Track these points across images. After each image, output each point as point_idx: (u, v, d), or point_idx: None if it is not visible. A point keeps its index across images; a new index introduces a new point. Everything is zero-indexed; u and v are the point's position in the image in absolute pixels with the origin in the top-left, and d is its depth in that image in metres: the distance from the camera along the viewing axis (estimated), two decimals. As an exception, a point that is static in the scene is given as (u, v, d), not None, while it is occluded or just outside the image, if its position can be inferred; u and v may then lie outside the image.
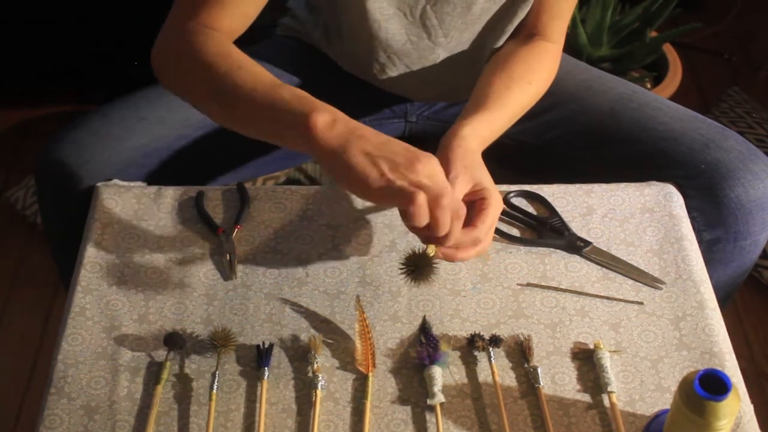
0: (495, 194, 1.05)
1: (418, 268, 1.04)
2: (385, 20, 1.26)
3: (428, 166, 0.97)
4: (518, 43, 1.26)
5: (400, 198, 0.95)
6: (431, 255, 1.02)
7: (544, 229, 1.20)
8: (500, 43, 1.31)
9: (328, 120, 0.98)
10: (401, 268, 1.05)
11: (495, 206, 1.05)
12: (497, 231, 1.17)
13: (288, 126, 1.00)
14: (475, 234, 1.02)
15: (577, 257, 1.17)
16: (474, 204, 1.05)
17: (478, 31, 1.30)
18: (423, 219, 0.95)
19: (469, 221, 1.03)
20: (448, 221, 0.96)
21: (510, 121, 1.18)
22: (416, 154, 0.97)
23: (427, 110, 1.47)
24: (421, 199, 0.94)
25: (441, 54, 1.31)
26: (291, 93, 1.01)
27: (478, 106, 1.15)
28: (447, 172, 1.04)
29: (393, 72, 1.34)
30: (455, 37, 1.29)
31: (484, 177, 1.06)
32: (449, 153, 1.07)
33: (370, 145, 0.97)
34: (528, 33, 1.27)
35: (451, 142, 1.08)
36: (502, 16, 1.28)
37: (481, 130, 1.12)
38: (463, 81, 1.38)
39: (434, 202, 0.95)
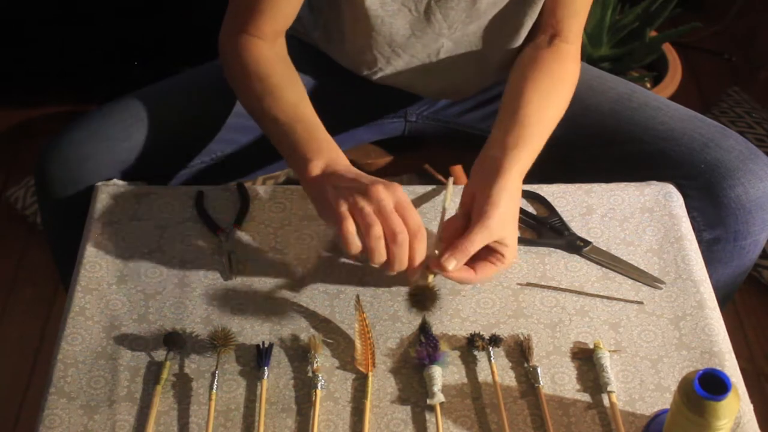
0: (511, 254, 1.08)
1: (423, 298, 1.09)
2: (389, 16, 1.26)
3: (389, 191, 1.03)
4: (540, 50, 1.25)
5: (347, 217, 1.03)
6: (432, 285, 1.09)
7: (544, 229, 1.20)
8: (512, 44, 1.31)
9: (321, 168, 1.08)
10: (408, 299, 1.10)
11: (505, 264, 1.08)
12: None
13: (293, 163, 1.12)
14: (469, 278, 1.07)
15: (576, 257, 1.17)
16: (487, 250, 1.07)
17: (485, 26, 1.30)
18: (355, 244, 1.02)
19: (473, 261, 1.07)
20: (403, 258, 1.03)
21: (545, 140, 1.18)
22: (378, 181, 1.04)
23: (427, 110, 1.47)
24: (351, 231, 1.02)
25: (445, 43, 1.31)
26: (304, 133, 1.12)
27: (519, 138, 1.14)
28: (483, 214, 1.06)
29: (398, 64, 1.34)
30: (459, 29, 1.29)
31: (510, 234, 1.08)
32: (495, 192, 1.07)
33: (343, 181, 1.06)
34: (547, 36, 1.26)
35: (503, 184, 1.08)
36: (510, 13, 1.27)
37: (525, 166, 1.13)
38: (468, 77, 1.38)
39: (392, 238, 1.02)
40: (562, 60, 1.24)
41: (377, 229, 1.01)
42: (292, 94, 1.17)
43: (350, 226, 1.02)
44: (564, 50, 1.25)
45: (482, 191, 1.08)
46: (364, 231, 1.02)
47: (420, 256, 1.04)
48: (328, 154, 1.09)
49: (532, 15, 1.27)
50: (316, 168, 1.08)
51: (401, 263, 1.03)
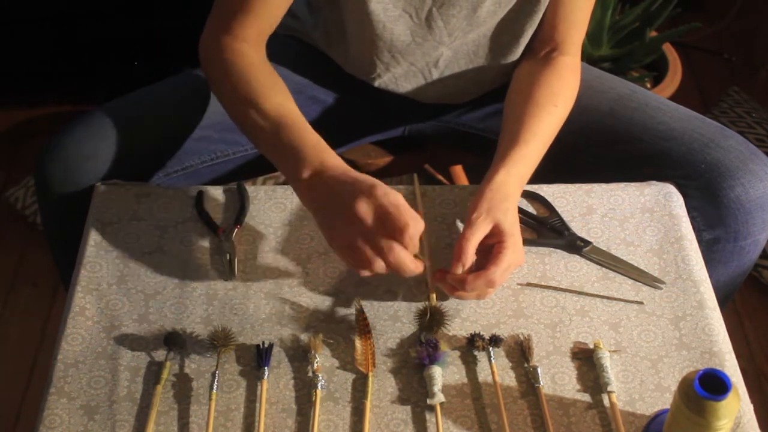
0: (513, 239, 1.08)
1: (432, 321, 1.08)
2: (390, 22, 1.26)
3: (366, 202, 1.00)
4: (538, 63, 1.27)
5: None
6: (438, 306, 1.09)
7: (544, 229, 1.20)
8: (511, 53, 1.31)
9: (307, 178, 1.06)
10: (416, 321, 1.09)
11: (511, 250, 1.07)
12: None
13: (283, 171, 1.11)
14: (488, 276, 1.06)
15: (576, 257, 1.17)
16: (492, 247, 1.08)
17: (484, 35, 1.30)
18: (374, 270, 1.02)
19: (485, 265, 1.07)
20: (408, 263, 1.01)
21: (544, 148, 1.19)
22: (359, 192, 1.01)
23: (427, 110, 1.47)
24: (367, 272, 1.02)
25: (444, 52, 1.31)
26: (289, 139, 1.09)
27: (511, 142, 1.17)
28: (467, 216, 1.09)
29: (396, 71, 1.34)
30: (459, 37, 1.29)
31: (506, 221, 1.09)
32: (477, 196, 1.11)
33: (327, 196, 1.04)
34: (547, 50, 1.28)
35: (483, 188, 1.11)
36: (509, 23, 1.28)
37: (516, 170, 1.14)
38: (466, 85, 1.38)
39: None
40: (560, 73, 1.25)
41: (376, 265, 1.01)
42: (276, 96, 1.14)
43: (363, 271, 1.03)
44: (562, 63, 1.26)
45: (472, 200, 1.11)
46: (367, 267, 1.02)
47: (411, 247, 1.02)
48: (313, 159, 1.07)
49: (531, 25, 1.28)
50: (304, 179, 1.06)
51: (404, 265, 1.01)
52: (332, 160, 1.07)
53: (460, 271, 1.06)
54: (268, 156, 1.13)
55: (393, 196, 1.00)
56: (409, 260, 1.01)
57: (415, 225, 1.00)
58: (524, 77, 1.27)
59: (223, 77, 1.18)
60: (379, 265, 1.01)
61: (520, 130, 1.17)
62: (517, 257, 1.09)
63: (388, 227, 1.00)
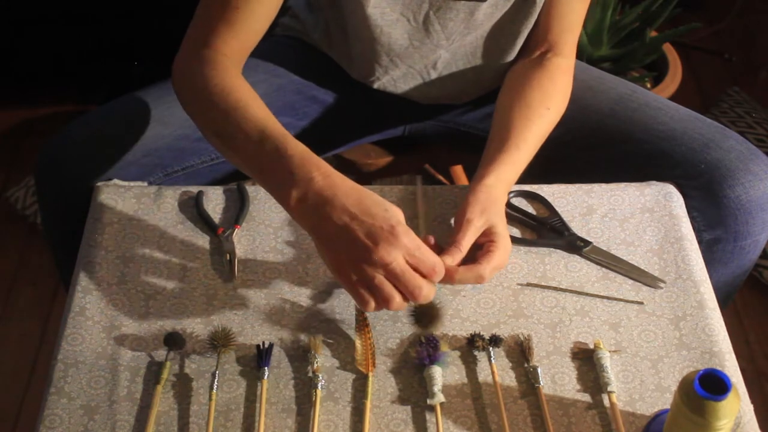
0: (504, 241, 1.08)
1: (426, 316, 1.09)
2: (388, 25, 1.26)
3: (393, 246, 0.96)
4: (531, 64, 1.27)
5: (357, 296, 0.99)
6: (435, 303, 1.09)
7: (544, 229, 1.20)
8: (508, 54, 1.31)
9: (299, 197, 1.00)
10: (412, 316, 1.09)
11: (502, 251, 1.07)
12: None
13: (269, 188, 1.05)
14: (478, 271, 1.05)
15: (577, 257, 1.17)
16: (483, 246, 1.08)
17: (482, 37, 1.30)
18: (379, 308, 0.99)
19: (475, 259, 1.07)
20: (422, 291, 0.98)
21: (533, 152, 1.19)
22: (379, 235, 0.96)
23: (427, 111, 1.47)
24: (372, 306, 0.98)
25: (443, 54, 1.32)
26: (274, 149, 1.03)
27: (501, 146, 1.16)
28: (462, 214, 1.08)
29: (395, 73, 1.34)
30: (457, 40, 1.29)
31: (499, 223, 1.09)
32: (470, 197, 1.10)
33: (334, 228, 0.98)
34: (541, 51, 1.28)
35: (475, 188, 1.11)
36: (506, 24, 1.28)
37: (506, 175, 1.14)
38: (465, 86, 1.38)
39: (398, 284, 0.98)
40: (552, 75, 1.25)
41: (395, 302, 0.98)
42: (259, 110, 1.08)
43: (369, 306, 0.98)
44: (555, 65, 1.26)
45: (463, 202, 1.10)
46: (383, 305, 0.98)
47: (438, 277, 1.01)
48: (303, 174, 1.00)
49: (528, 25, 1.28)
50: (296, 199, 1.00)
51: (427, 299, 1.00)
52: (322, 172, 1.01)
53: (450, 263, 1.04)
54: (249, 169, 1.07)
55: (413, 235, 0.98)
56: (433, 291, 1.00)
57: (441, 265, 1.00)
58: (516, 79, 1.27)
59: (203, 90, 1.11)
60: (399, 303, 0.98)
61: (511, 134, 1.17)
62: (506, 259, 1.09)
63: (419, 269, 0.98)
